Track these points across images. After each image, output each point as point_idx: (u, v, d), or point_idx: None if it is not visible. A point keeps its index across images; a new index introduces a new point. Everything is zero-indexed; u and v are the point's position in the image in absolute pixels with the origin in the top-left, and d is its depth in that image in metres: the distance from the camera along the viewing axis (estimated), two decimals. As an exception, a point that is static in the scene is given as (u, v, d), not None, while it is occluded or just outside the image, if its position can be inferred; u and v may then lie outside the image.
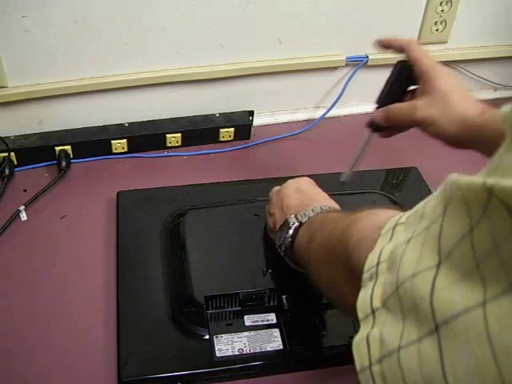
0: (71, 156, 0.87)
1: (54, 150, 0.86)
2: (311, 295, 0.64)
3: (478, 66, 1.03)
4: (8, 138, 0.85)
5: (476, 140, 0.59)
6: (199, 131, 0.92)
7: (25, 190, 0.82)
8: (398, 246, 0.34)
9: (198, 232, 0.72)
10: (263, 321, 0.64)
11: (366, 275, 0.36)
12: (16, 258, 0.72)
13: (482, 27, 0.99)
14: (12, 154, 0.84)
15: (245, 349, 0.61)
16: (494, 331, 0.24)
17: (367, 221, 0.43)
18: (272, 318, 0.64)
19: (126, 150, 0.90)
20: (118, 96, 0.88)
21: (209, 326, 0.63)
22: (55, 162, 0.86)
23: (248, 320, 0.64)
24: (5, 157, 0.83)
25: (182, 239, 0.71)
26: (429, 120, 0.61)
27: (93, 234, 0.77)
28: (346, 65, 0.95)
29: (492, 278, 0.25)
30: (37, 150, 0.86)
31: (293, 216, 0.59)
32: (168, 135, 0.91)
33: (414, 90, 0.64)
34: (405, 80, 0.63)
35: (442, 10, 0.94)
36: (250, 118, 0.94)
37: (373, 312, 0.34)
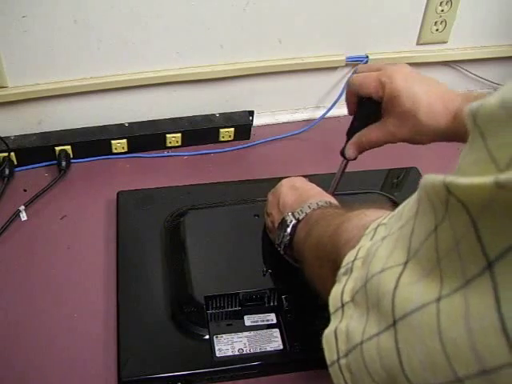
0: (71, 156, 0.87)
1: (54, 150, 0.86)
2: (311, 295, 0.64)
3: (478, 65, 1.03)
4: (8, 138, 0.85)
5: (458, 138, 0.59)
6: (199, 131, 0.92)
7: (25, 190, 0.82)
8: (374, 243, 0.35)
9: (198, 232, 0.72)
10: (263, 321, 0.64)
11: (341, 270, 0.38)
12: (16, 258, 0.72)
13: (482, 27, 0.99)
14: (12, 154, 0.84)
15: (245, 349, 0.61)
16: (444, 326, 0.25)
17: (357, 221, 0.44)
18: (272, 318, 0.64)
19: (125, 150, 0.90)
20: (118, 96, 0.88)
21: (209, 326, 0.63)
22: (55, 162, 0.86)
23: (248, 320, 0.64)
24: (5, 157, 0.83)
25: (182, 239, 0.71)
26: (405, 140, 0.62)
27: (93, 234, 0.77)
28: (346, 65, 0.95)
29: (449, 275, 0.26)
30: (37, 149, 0.86)
31: (290, 214, 0.59)
32: (168, 135, 0.91)
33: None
34: (373, 113, 0.63)
35: (442, 10, 0.94)
36: (250, 117, 0.94)
37: (342, 306, 0.35)
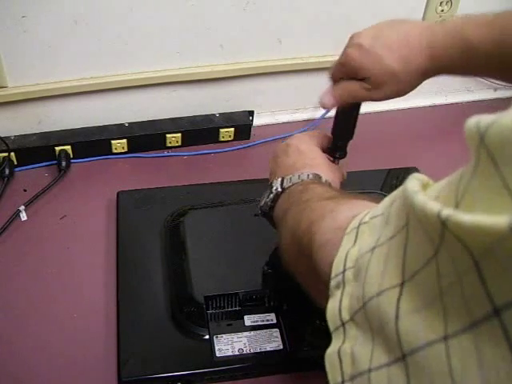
0: (71, 156, 0.87)
1: (54, 150, 0.86)
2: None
3: (478, 65, 1.03)
4: (8, 138, 0.85)
5: (442, 73, 0.57)
6: (199, 131, 0.92)
7: (25, 190, 0.82)
8: (364, 253, 0.33)
9: (198, 232, 0.72)
10: (263, 321, 0.64)
11: (333, 283, 0.35)
12: (16, 258, 0.72)
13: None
14: (12, 154, 0.84)
15: (245, 349, 0.61)
16: (457, 369, 0.24)
17: (330, 221, 0.42)
18: (272, 318, 0.64)
19: (125, 150, 0.90)
20: (118, 96, 0.88)
21: (209, 326, 0.63)
22: (55, 162, 0.86)
23: (248, 320, 0.64)
24: (5, 157, 0.83)
25: (182, 239, 0.71)
26: (390, 98, 0.60)
27: (93, 233, 0.77)
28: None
29: (453, 312, 0.24)
30: (37, 150, 0.86)
31: (279, 179, 0.57)
32: (168, 135, 0.91)
33: None
34: (356, 107, 0.64)
35: (442, 10, 0.94)
36: (250, 117, 0.94)
37: (343, 324, 0.33)
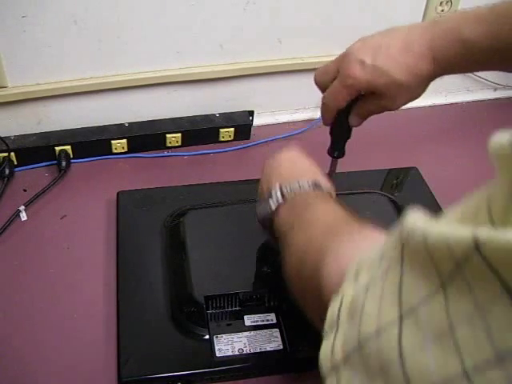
0: (71, 156, 0.87)
1: (54, 150, 0.86)
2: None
3: (478, 65, 1.03)
4: (8, 138, 0.85)
5: (449, 72, 0.57)
6: (199, 131, 0.92)
7: (25, 190, 0.82)
8: (359, 293, 0.32)
9: (198, 232, 0.72)
10: (263, 321, 0.64)
11: (327, 324, 0.34)
12: (16, 258, 0.72)
13: (482, 27, 0.99)
14: (12, 153, 0.84)
15: (245, 349, 0.61)
16: None
17: (340, 260, 0.40)
18: (272, 318, 0.64)
19: (125, 150, 0.90)
20: (118, 96, 0.88)
21: (209, 326, 0.63)
22: (55, 162, 0.86)
23: (248, 320, 0.64)
24: (5, 157, 0.83)
25: (182, 239, 0.71)
26: (403, 104, 0.60)
27: (93, 233, 0.77)
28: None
29: (472, 346, 0.23)
30: (37, 150, 0.85)
31: (277, 186, 0.55)
32: (168, 135, 0.91)
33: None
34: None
35: (442, 10, 0.94)
36: (250, 117, 0.94)
37: (336, 367, 0.32)
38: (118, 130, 0.89)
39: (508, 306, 0.21)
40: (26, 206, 0.78)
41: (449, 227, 0.23)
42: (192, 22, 0.85)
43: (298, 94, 0.99)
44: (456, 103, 1.06)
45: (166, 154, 0.91)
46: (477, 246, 0.21)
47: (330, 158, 0.68)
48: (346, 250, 0.41)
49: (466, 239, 0.22)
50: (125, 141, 0.89)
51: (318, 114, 0.99)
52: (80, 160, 0.88)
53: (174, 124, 0.92)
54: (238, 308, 0.65)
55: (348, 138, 0.65)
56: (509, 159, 0.22)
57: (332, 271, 0.40)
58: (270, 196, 0.56)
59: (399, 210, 0.77)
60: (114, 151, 0.89)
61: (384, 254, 0.30)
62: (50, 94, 0.84)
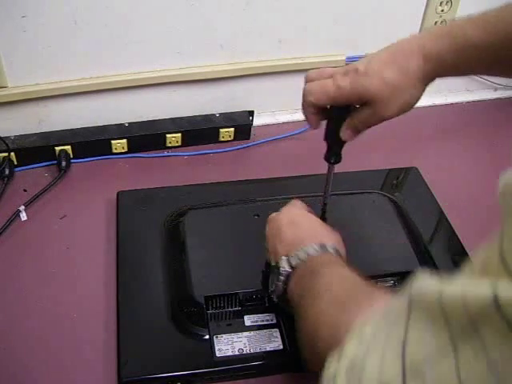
0: (71, 156, 0.87)
1: (54, 150, 0.86)
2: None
3: (478, 65, 1.03)
4: (8, 138, 0.85)
5: (440, 75, 0.56)
6: (199, 131, 0.92)
7: (25, 190, 0.82)
8: (360, 350, 0.31)
9: (198, 232, 0.72)
10: (263, 321, 0.64)
11: (326, 374, 0.34)
12: (16, 258, 0.72)
13: (482, 27, 0.99)
14: (12, 153, 0.84)
15: (245, 349, 0.61)
16: None
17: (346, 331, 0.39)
18: (272, 318, 0.64)
19: (125, 150, 0.90)
20: (117, 96, 0.88)
21: (209, 326, 0.63)
22: (55, 162, 0.86)
23: (248, 320, 0.64)
24: (5, 157, 0.83)
25: (182, 239, 0.71)
26: (398, 113, 0.58)
27: (93, 234, 0.76)
28: (346, 65, 0.95)
29: None
30: (37, 149, 0.85)
31: (284, 259, 0.56)
32: (168, 135, 0.91)
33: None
34: (346, 112, 0.61)
35: (442, 10, 0.94)
36: (250, 118, 0.94)
37: None
38: (118, 130, 0.89)
39: None
40: (26, 206, 0.78)
41: (466, 283, 0.22)
42: (192, 22, 0.85)
43: (298, 94, 0.98)
44: (456, 103, 1.06)
45: (165, 154, 0.91)
46: (496, 303, 0.21)
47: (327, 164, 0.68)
48: (356, 322, 0.40)
49: (484, 296, 0.21)
50: (125, 141, 0.89)
51: (318, 114, 0.99)
52: (80, 160, 0.88)
53: (173, 124, 0.92)
54: (238, 308, 0.65)
55: (344, 143, 0.65)
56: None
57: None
58: (278, 268, 0.56)
59: (399, 209, 0.77)
60: (114, 151, 0.89)
61: (390, 312, 0.30)
62: (49, 94, 0.84)
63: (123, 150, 0.89)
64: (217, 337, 0.62)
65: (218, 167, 0.90)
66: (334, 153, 0.64)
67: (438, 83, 0.59)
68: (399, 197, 0.80)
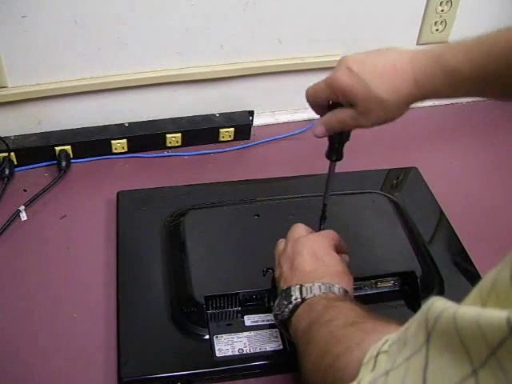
0: (71, 156, 0.87)
1: (54, 150, 0.86)
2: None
3: (478, 65, 1.03)
4: (8, 138, 0.85)
5: (428, 98, 0.57)
6: (199, 131, 0.92)
7: (25, 190, 0.82)
8: (378, 377, 0.31)
9: (198, 232, 0.72)
10: (263, 321, 0.64)
11: None
12: (16, 258, 0.72)
13: (482, 27, 0.99)
14: (12, 153, 0.84)
15: (245, 349, 0.61)
16: None
17: (357, 354, 0.40)
18: (272, 318, 0.64)
19: (125, 150, 0.90)
20: (118, 96, 0.88)
21: (209, 326, 0.63)
22: (55, 162, 0.86)
23: (248, 320, 0.64)
24: (5, 157, 0.83)
25: (182, 239, 0.71)
26: (375, 124, 0.58)
27: (93, 234, 0.77)
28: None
29: None
30: (37, 150, 0.86)
31: (297, 287, 0.55)
32: (168, 135, 0.91)
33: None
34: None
35: (442, 10, 0.94)
36: (250, 118, 0.94)
37: None
38: (118, 130, 0.89)
39: None
40: (25, 206, 0.78)
41: (480, 310, 0.23)
42: (192, 22, 0.85)
43: (297, 93, 0.98)
44: (456, 103, 1.06)
45: (165, 154, 0.91)
46: (510, 327, 0.21)
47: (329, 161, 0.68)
48: (370, 340, 0.40)
49: (500, 323, 0.21)
50: (125, 141, 0.89)
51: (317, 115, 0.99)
52: (80, 160, 0.88)
53: (174, 124, 0.92)
54: (238, 308, 0.65)
55: (346, 140, 0.65)
56: None
57: (351, 361, 0.40)
58: (289, 295, 0.56)
59: (399, 210, 0.77)
60: (114, 151, 0.89)
61: (407, 341, 0.30)
62: (50, 94, 0.84)
63: (123, 150, 0.89)
64: (217, 337, 0.62)
65: (217, 167, 0.90)
66: (335, 150, 0.64)
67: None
68: (399, 197, 0.80)
